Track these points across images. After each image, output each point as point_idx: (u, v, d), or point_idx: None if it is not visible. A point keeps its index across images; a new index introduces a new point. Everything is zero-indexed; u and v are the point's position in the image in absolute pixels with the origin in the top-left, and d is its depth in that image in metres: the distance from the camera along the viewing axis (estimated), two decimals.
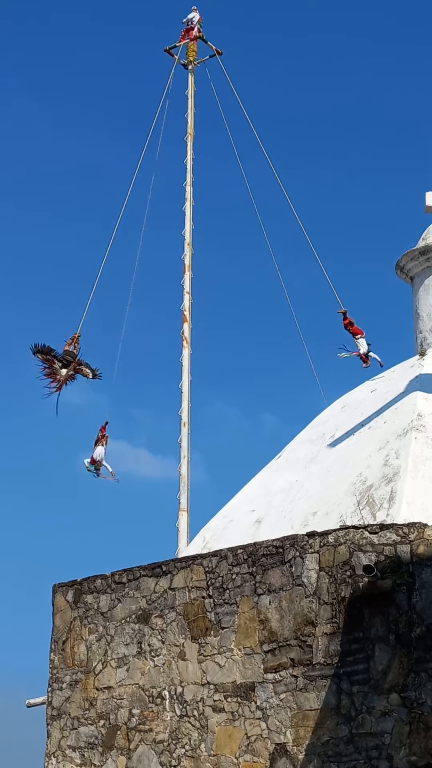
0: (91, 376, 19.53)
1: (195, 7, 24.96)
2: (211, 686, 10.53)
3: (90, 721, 11.72)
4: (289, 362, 44.61)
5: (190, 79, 24.75)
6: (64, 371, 19.06)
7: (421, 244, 15.33)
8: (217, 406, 44.93)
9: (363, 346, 17.02)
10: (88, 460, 19.38)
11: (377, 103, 47.60)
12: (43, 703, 13.11)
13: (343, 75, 48.39)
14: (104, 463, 19.44)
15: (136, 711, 11.24)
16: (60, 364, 19.04)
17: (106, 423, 19.79)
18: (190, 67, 24.72)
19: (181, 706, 10.79)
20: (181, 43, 24.68)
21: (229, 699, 10.36)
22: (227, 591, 10.57)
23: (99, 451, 19.23)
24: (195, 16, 24.81)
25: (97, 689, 11.73)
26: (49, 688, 12.35)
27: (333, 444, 13.96)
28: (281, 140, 46.58)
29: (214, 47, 24.84)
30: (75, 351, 19.36)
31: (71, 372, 19.04)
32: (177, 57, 24.61)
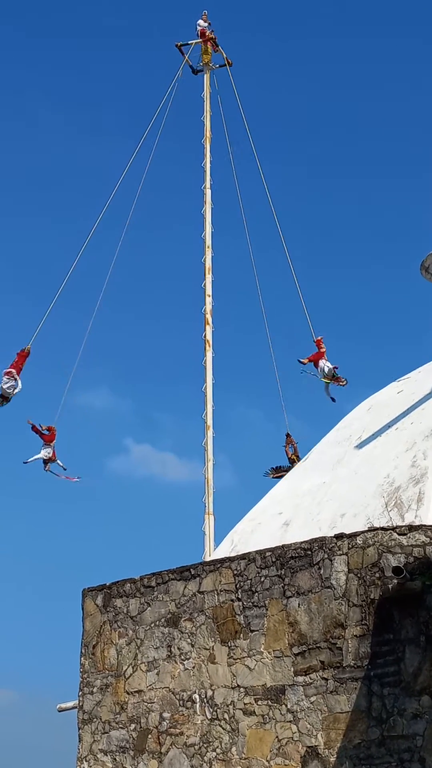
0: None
1: (205, 12, 25.05)
2: (242, 689, 10.53)
3: (121, 725, 11.75)
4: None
5: (206, 81, 24.77)
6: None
7: None
8: (239, 409, 45.03)
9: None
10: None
11: (399, 106, 47.53)
12: (74, 708, 13.14)
13: (357, 82, 48.43)
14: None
15: (166, 714, 11.25)
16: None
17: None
18: (205, 70, 24.76)
19: (211, 710, 10.80)
20: (194, 43, 24.70)
21: (259, 702, 10.36)
22: (256, 594, 10.57)
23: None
24: (205, 23, 24.96)
25: (128, 693, 11.75)
26: (80, 693, 12.39)
27: (360, 446, 13.92)
28: (297, 146, 46.61)
29: (225, 55, 24.87)
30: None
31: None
32: (186, 57, 24.66)
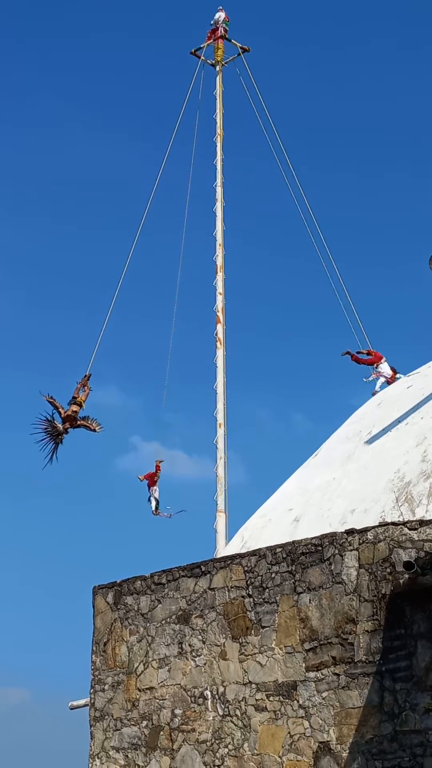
0: (97, 429, 20.67)
1: (221, 7, 25.04)
2: (253, 685, 10.52)
3: (133, 722, 11.75)
4: (316, 362, 44.60)
5: (218, 78, 24.79)
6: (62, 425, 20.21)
7: None
8: (248, 407, 45.06)
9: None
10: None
11: (410, 103, 47.50)
12: (85, 705, 13.16)
13: (372, 78, 48.35)
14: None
15: (178, 711, 11.24)
16: (61, 422, 20.15)
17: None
18: (217, 67, 24.78)
19: (223, 706, 10.79)
20: (207, 43, 24.75)
21: (271, 698, 10.34)
22: (267, 590, 10.55)
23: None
24: (221, 15, 24.87)
25: (139, 690, 11.75)
26: (92, 690, 12.39)
27: (370, 441, 13.90)
28: (312, 138, 46.55)
29: (239, 45, 24.87)
30: (83, 399, 20.13)
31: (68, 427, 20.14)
32: (202, 57, 24.69)
